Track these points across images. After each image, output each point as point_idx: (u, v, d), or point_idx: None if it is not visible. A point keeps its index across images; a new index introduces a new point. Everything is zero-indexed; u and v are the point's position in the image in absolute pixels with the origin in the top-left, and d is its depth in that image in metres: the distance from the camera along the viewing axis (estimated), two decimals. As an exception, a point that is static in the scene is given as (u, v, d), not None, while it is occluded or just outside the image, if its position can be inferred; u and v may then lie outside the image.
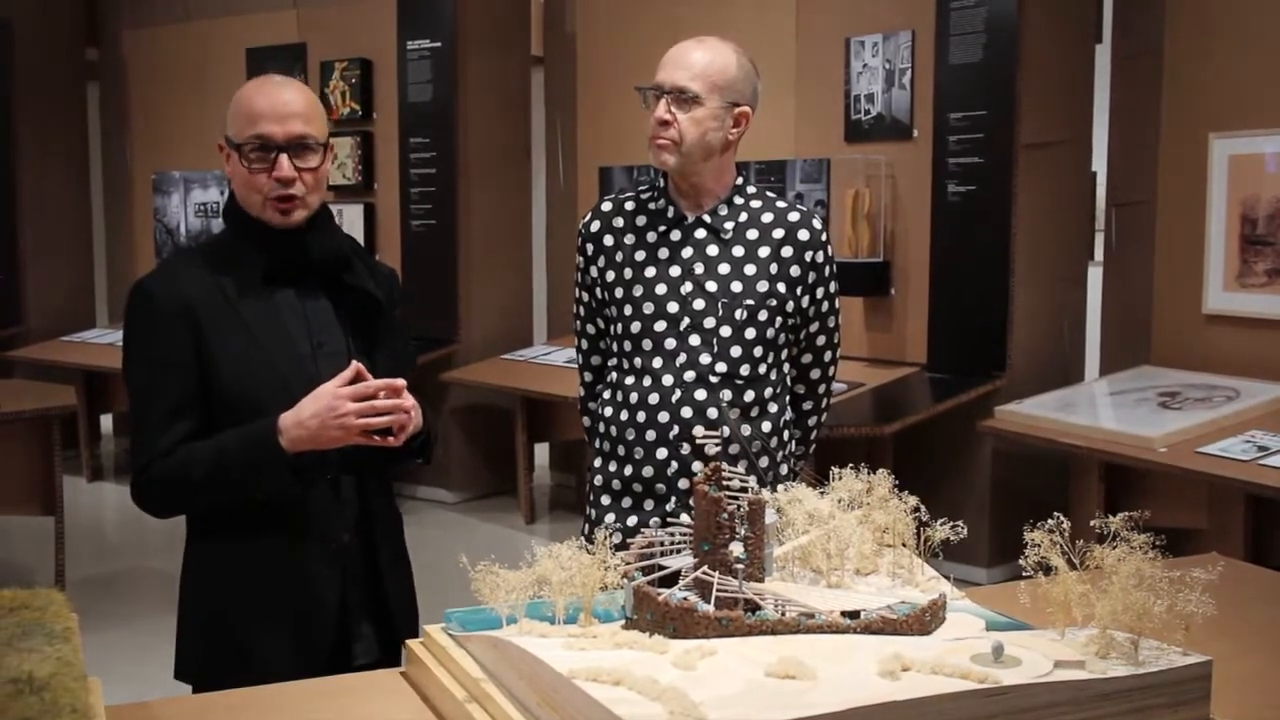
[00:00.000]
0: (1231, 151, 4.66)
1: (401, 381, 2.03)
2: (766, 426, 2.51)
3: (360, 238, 7.04)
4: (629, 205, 2.58)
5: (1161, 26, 4.95)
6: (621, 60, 6.50)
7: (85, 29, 8.57)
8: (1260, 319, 4.57)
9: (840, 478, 1.90)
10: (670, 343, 2.47)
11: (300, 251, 2.12)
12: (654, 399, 2.47)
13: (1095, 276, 5.74)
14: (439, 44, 6.92)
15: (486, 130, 7.06)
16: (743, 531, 1.64)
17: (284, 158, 2.06)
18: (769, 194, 2.58)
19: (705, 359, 2.46)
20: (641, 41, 6.37)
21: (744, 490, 1.69)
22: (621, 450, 2.51)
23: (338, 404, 1.98)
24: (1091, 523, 1.56)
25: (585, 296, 2.63)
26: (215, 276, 2.10)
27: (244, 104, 2.10)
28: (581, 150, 6.90)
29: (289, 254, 2.12)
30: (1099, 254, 5.93)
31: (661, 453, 2.47)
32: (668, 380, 2.46)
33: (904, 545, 1.83)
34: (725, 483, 1.69)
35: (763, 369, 2.49)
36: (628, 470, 2.51)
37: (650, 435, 2.47)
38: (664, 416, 2.46)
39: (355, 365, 2.03)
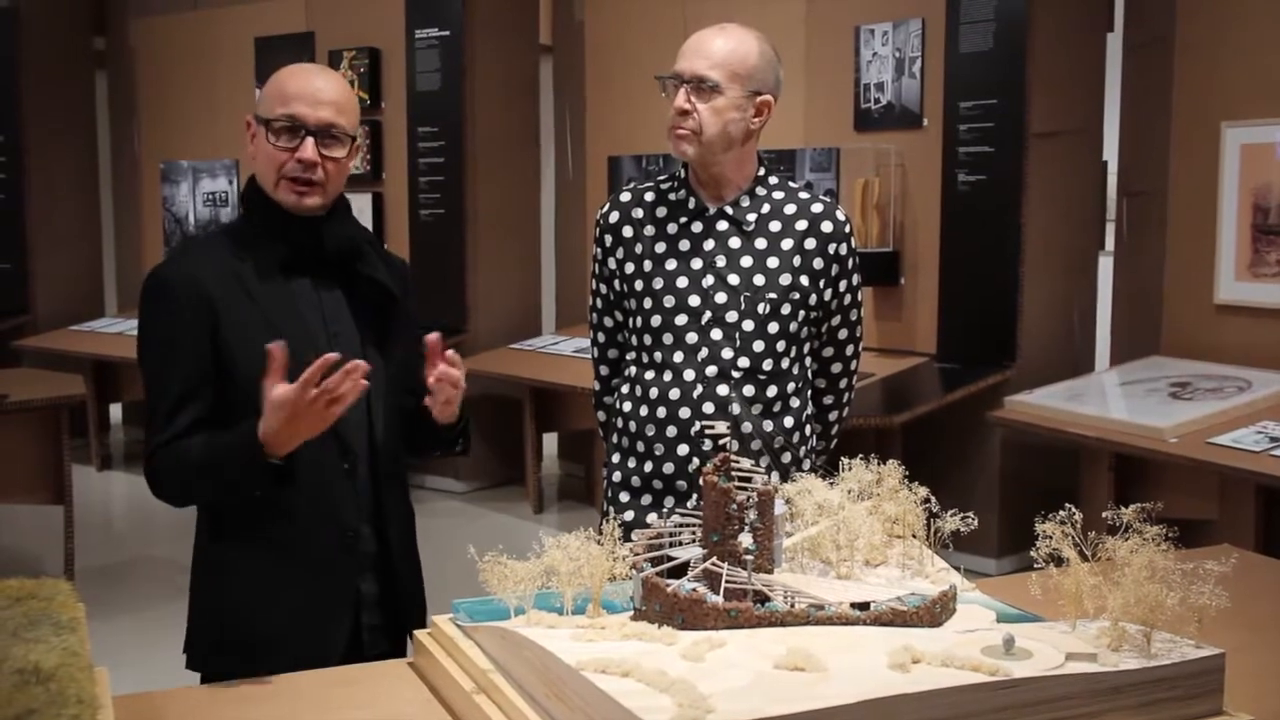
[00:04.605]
0: (1243, 140, 4.63)
1: (334, 356, 1.88)
2: (789, 422, 2.47)
3: (368, 227, 7.03)
4: (649, 196, 2.53)
5: (1173, 15, 4.92)
6: (631, 48, 6.48)
7: (92, 18, 8.57)
8: (1272, 309, 4.55)
9: (850, 468, 1.89)
10: (692, 337, 2.43)
11: (316, 240, 2.11)
12: (675, 394, 2.44)
13: (1106, 266, 5.71)
14: (447, 33, 6.90)
15: (495, 119, 7.04)
16: (752, 522, 1.63)
17: (310, 141, 2.06)
18: (791, 184, 2.53)
19: (728, 354, 2.42)
20: (651, 29, 6.36)
21: (753, 480, 1.67)
22: (641, 446, 2.48)
23: (284, 399, 1.86)
24: (1104, 514, 1.54)
25: (603, 288, 2.59)
26: (232, 264, 2.09)
27: (280, 84, 2.10)
28: (590, 139, 6.89)
29: (305, 242, 2.11)
30: (1110, 243, 5.91)
31: (683, 449, 2.43)
32: (689, 375, 2.43)
33: (914, 536, 1.82)
34: (735, 473, 1.68)
35: (785, 363, 2.46)
36: (648, 467, 2.47)
37: (671, 431, 2.44)
38: (685, 412, 2.42)
39: (272, 349, 1.88)
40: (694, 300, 2.44)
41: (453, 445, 2.23)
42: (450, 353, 2.06)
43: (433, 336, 2.05)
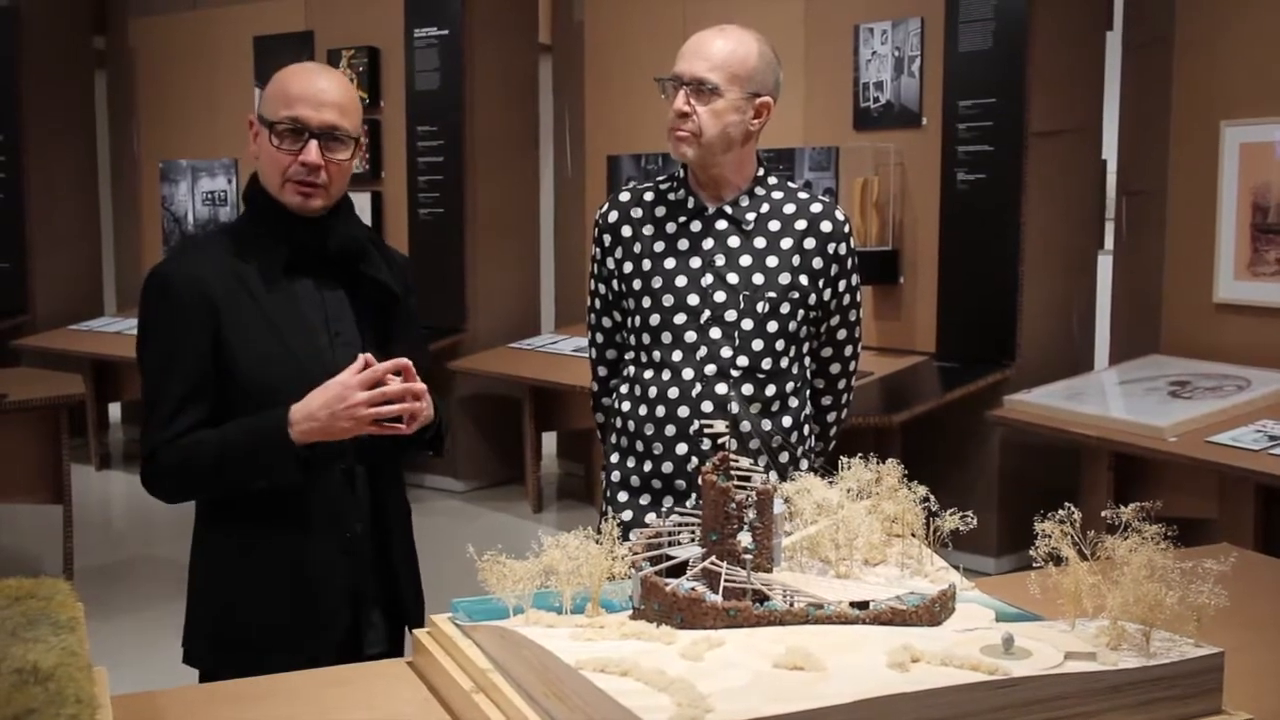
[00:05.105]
0: (1243, 139, 4.63)
1: (407, 361, 2.03)
2: (787, 421, 2.47)
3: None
4: (648, 196, 2.53)
5: (1172, 14, 4.92)
6: (630, 48, 6.48)
7: (92, 17, 8.57)
8: (1271, 308, 4.55)
9: (849, 467, 1.88)
10: (690, 336, 2.43)
11: (320, 240, 2.12)
12: (673, 393, 2.43)
13: (1105, 265, 5.72)
14: (446, 32, 6.91)
15: (494, 118, 7.04)
16: (751, 521, 1.63)
17: (314, 143, 2.07)
18: (790, 184, 2.53)
19: (726, 352, 2.42)
20: (650, 29, 6.36)
21: (752, 479, 1.67)
22: (640, 446, 2.48)
23: (347, 394, 1.98)
24: (1103, 513, 1.54)
25: (602, 289, 2.58)
26: (234, 264, 2.10)
27: (283, 85, 2.10)
28: (589, 139, 6.89)
29: (308, 242, 2.12)
30: (1109, 242, 5.91)
31: (681, 448, 2.43)
32: (688, 374, 2.43)
33: (913, 535, 1.82)
34: (733, 472, 1.68)
35: (784, 363, 2.46)
36: (646, 466, 2.47)
37: (670, 430, 2.44)
38: (684, 411, 2.42)
39: (363, 357, 2.02)
40: (693, 299, 2.44)
41: (426, 449, 2.24)
42: (398, 361, 2.06)
43: (404, 361, 2.06)
